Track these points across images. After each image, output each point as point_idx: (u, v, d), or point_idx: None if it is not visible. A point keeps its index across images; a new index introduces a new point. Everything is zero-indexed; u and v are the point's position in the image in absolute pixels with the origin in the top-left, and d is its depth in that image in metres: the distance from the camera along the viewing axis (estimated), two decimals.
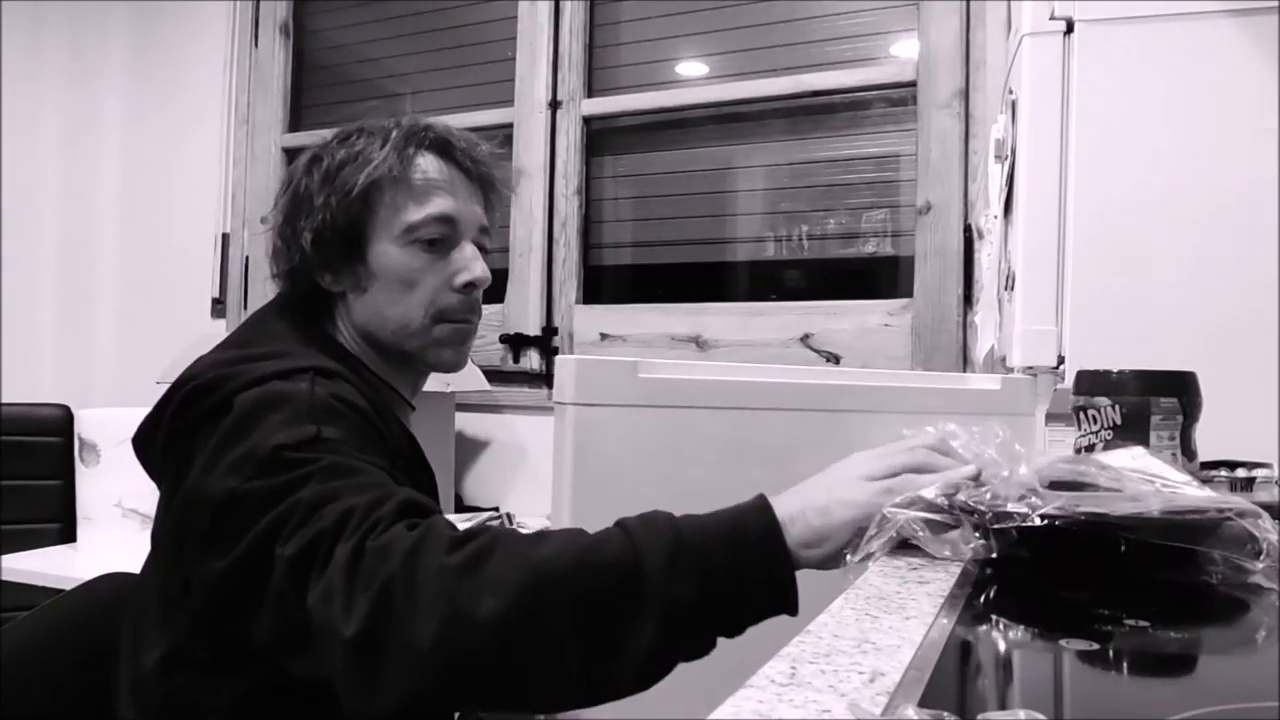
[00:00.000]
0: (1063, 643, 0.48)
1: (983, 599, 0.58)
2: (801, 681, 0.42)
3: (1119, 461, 0.71)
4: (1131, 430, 0.85)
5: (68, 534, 2.07)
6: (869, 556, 0.66)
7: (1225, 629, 0.58)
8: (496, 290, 2.13)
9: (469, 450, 2.36)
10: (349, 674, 0.65)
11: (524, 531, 0.71)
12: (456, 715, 1.14)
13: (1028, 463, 0.69)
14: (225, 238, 2.74)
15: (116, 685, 0.90)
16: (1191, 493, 0.66)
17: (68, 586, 1.09)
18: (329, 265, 0.97)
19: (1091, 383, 0.89)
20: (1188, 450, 0.87)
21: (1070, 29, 1.19)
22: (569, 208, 2.34)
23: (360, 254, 0.96)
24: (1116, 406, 0.86)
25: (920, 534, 0.65)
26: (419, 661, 0.63)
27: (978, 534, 0.64)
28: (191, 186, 2.77)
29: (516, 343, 2.34)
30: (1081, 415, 0.89)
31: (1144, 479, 0.67)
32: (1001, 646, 0.52)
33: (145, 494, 1.83)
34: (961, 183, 1.94)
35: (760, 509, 0.68)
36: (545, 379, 2.32)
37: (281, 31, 2.73)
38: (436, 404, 2.06)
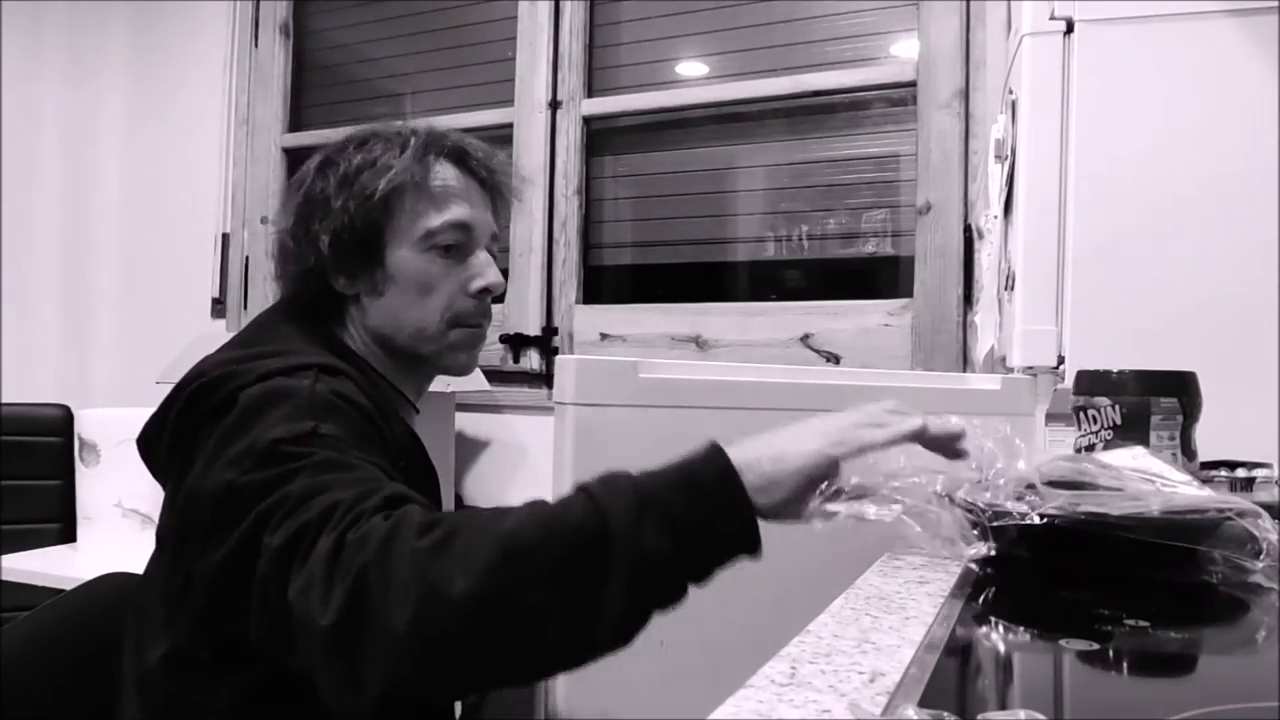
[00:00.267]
0: (1063, 643, 0.48)
1: (983, 599, 0.58)
2: (801, 681, 0.42)
3: (1119, 461, 0.71)
4: (1131, 430, 0.85)
5: (68, 534, 2.07)
6: (832, 516, 0.65)
7: (1225, 629, 0.58)
8: None
9: (469, 450, 2.36)
10: (327, 664, 0.66)
11: (487, 509, 0.71)
12: (460, 708, 1.14)
13: (1026, 458, 0.69)
14: (225, 238, 2.74)
15: (119, 683, 0.90)
16: (1191, 492, 0.66)
17: (68, 586, 1.09)
18: (345, 268, 0.97)
19: (1091, 383, 0.89)
20: (1188, 450, 0.87)
21: (1070, 29, 1.19)
22: (569, 208, 2.34)
23: (378, 258, 0.97)
24: (1116, 406, 0.86)
25: (880, 511, 0.64)
26: (395, 647, 0.63)
27: (976, 531, 0.64)
28: (191, 186, 2.77)
29: (516, 343, 2.34)
30: (1081, 415, 0.89)
31: (1144, 479, 0.67)
32: (1001, 646, 0.52)
33: (145, 494, 1.83)
34: (961, 183, 1.94)
35: (714, 455, 0.68)
36: (545, 379, 2.32)
37: (281, 31, 2.73)
38: (437, 404, 2.06)
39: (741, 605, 0.92)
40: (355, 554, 0.66)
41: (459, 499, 2.30)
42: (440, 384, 1.96)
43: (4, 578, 1.70)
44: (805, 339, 2.08)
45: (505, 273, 2.34)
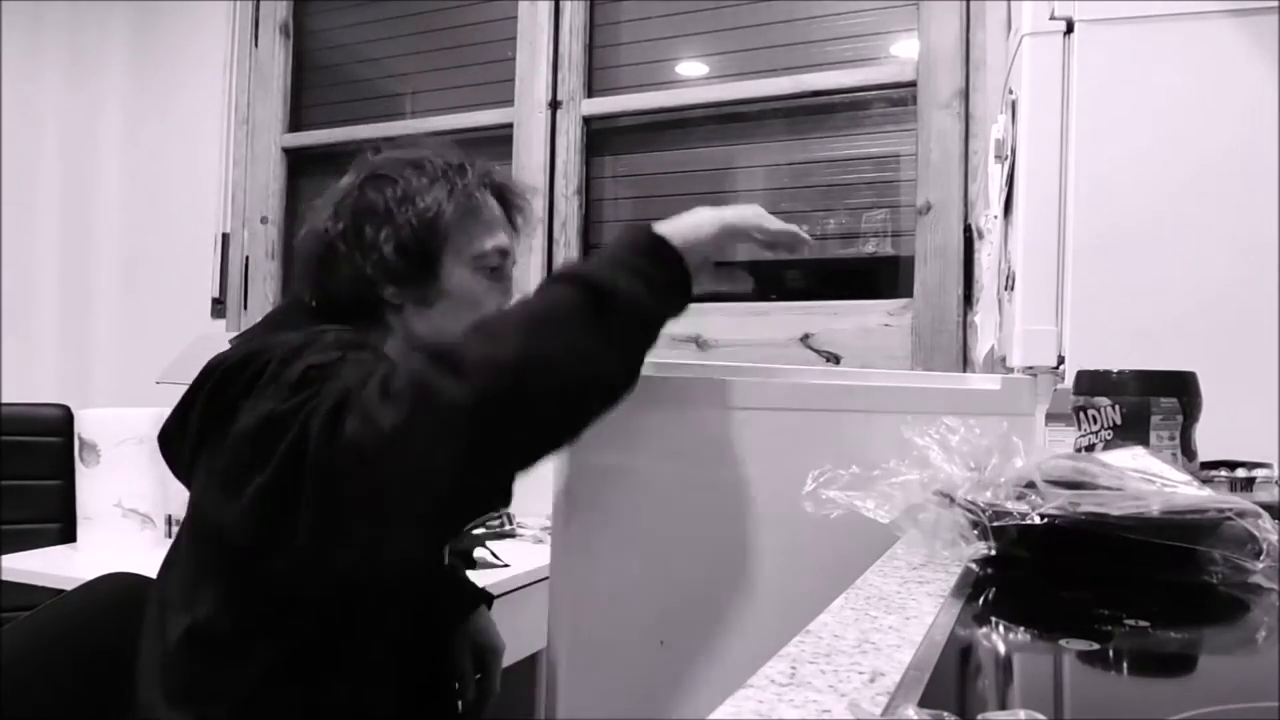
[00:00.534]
0: (1063, 643, 0.48)
1: (983, 599, 0.58)
2: (801, 681, 0.42)
3: (1119, 461, 0.71)
4: (1131, 430, 0.85)
5: (68, 534, 2.07)
6: (830, 506, 0.68)
7: (1225, 629, 0.58)
8: None
9: None
10: (395, 461, 0.71)
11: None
12: (460, 708, 1.14)
13: (1024, 456, 0.69)
14: (225, 238, 2.74)
15: (123, 679, 0.90)
16: (1191, 492, 0.66)
17: (68, 586, 1.09)
18: (397, 278, 1.01)
19: (1091, 383, 0.89)
20: (1188, 450, 0.87)
21: (1070, 29, 1.19)
22: (569, 208, 2.34)
23: (433, 273, 1.03)
24: (1116, 406, 0.86)
25: (879, 510, 0.66)
26: (463, 417, 0.71)
27: (975, 531, 0.64)
28: (191, 186, 2.77)
29: None
30: (1081, 415, 0.89)
31: (1144, 479, 0.67)
32: (1001, 646, 0.52)
33: (145, 494, 1.83)
34: (961, 183, 1.94)
35: (638, 228, 0.87)
36: None
37: (281, 31, 2.73)
38: None
39: (741, 605, 0.92)
40: (404, 378, 0.74)
41: None
42: None
43: (4, 578, 1.70)
44: (805, 339, 2.08)
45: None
